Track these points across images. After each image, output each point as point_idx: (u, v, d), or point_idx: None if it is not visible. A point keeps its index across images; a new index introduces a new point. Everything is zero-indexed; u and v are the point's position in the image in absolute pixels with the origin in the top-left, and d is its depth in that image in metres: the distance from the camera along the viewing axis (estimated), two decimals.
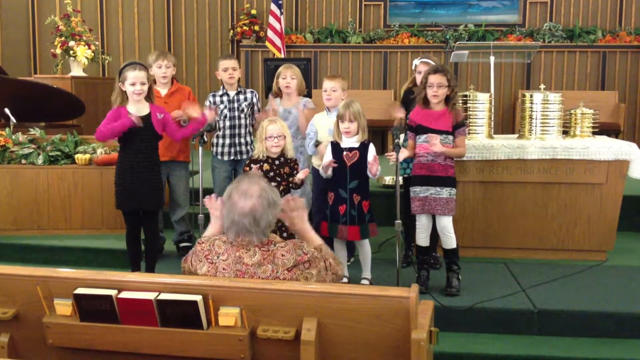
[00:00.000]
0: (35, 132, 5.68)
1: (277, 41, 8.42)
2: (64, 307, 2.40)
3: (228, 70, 4.79)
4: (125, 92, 4.12)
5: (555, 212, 4.83)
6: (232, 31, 8.96)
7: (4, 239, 5.28)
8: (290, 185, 4.09)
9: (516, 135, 5.13)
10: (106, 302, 2.35)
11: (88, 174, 5.40)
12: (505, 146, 4.73)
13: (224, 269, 2.51)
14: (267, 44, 8.48)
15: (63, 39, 7.26)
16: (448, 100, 4.09)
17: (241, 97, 4.85)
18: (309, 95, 5.20)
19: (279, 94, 4.86)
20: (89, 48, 7.32)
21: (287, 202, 2.74)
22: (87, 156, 5.43)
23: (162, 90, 4.78)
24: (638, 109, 8.63)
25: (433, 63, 4.46)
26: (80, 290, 2.38)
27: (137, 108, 4.15)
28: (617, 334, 3.80)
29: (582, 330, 3.82)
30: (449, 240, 4.10)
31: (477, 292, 4.10)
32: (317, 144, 4.50)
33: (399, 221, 3.90)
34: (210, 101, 4.83)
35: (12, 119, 6.05)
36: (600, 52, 8.55)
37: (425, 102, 4.13)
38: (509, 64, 8.53)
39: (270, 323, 2.32)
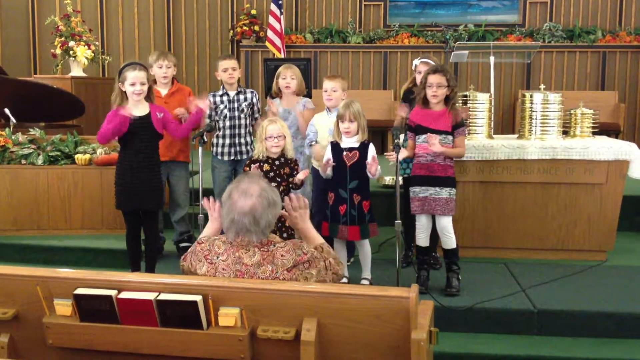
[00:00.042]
0: (35, 132, 5.68)
1: (277, 41, 8.42)
2: (64, 307, 2.40)
3: (228, 70, 4.79)
4: (124, 92, 4.13)
5: (555, 212, 4.83)
6: (232, 31, 8.96)
7: (4, 239, 5.28)
8: (290, 185, 4.09)
9: (516, 136, 5.13)
10: (106, 302, 2.35)
11: (88, 174, 5.40)
12: (505, 146, 4.73)
13: (223, 269, 2.51)
14: (267, 44, 8.48)
15: (63, 39, 7.25)
16: (448, 100, 4.09)
17: (241, 97, 4.85)
18: (308, 95, 5.20)
19: (278, 94, 4.86)
20: (89, 48, 7.31)
21: (291, 201, 2.74)
22: (87, 156, 5.43)
23: (163, 90, 4.79)
24: (638, 109, 8.64)
25: (433, 63, 4.46)
26: (80, 291, 2.37)
27: (137, 108, 4.14)
28: (617, 334, 3.80)
29: (582, 330, 3.82)
30: (449, 240, 4.10)
31: (477, 292, 4.10)
32: (311, 144, 4.50)
33: (399, 221, 3.90)
34: (210, 100, 4.83)
35: (12, 119, 6.05)
36: (600, 52, 8.55)
37: (425, 102, 4.13)
38: (509, 64, 8.53)
39: (270, 323, 2.32)
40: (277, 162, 4.10)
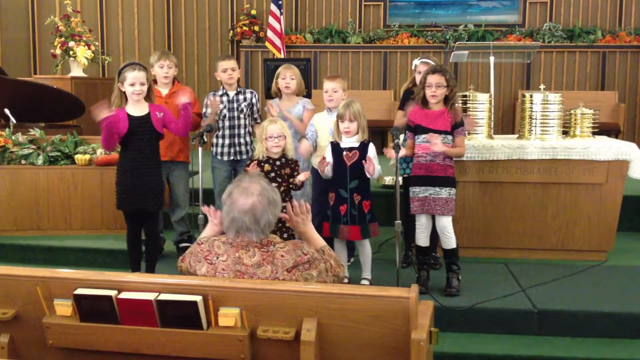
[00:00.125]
0: (35, 132, 5.68)
1: (277, 41, 8.42)
2: (64, 307, 2.40)
3: (227, 70, 4.79)
4: (124, 92, 4.13)
5: (555, 212, 4.83)
6: (232, 31, 8.96)
7: (4, 239, 5.28)
8: (291, 186, 4.09)
9: (516, 136, 5.13)
10: (106, 302, 2.35)
11: (88, 174, 5.40)
12: (505, 146, 4.73)
13: (223, 269, 2.51)
14: (267, 44, 8.48)
15: (63, 39, 7.25)
16: (447, 100, 4.09)
17: (241, 97, 4.85)
18: (308, 95, 5.19)
19: (278, 94, 4.86)
20: (89, 48, 7.32)
21: (293, 208, 2.75)
22: (87, 156, 5.43)
23: (163, 90, 4.79)
24: (638, 109, 8.64)
25: (433, 63, 4.46)
26: (80, 291, 2.38)
27: (137, 108, 4.15)
28: (617, 334, 3.80)
29: (582, 330, 3.82)
30: (449, 240, 4.10)
31: (477, 292, 4.10)
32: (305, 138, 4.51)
33: (399, 221, 3.90)
34: (210, 100, 4.83)
35: (12, 119, 6.05)
36: (600, 52, 8.55)
37: (424, 102, 4.13)
38: (509, 64, 8.53)
39: (270, 323, 2.32)
40: (277, 163, 4.10)
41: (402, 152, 4.05)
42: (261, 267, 2.47)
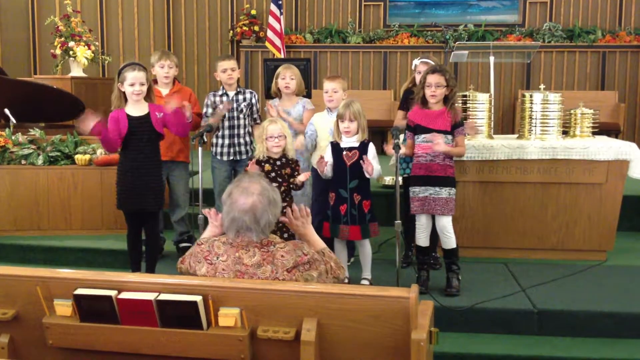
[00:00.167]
0: (35, 132, 5.68)
1: (277, 41, 8.42)
2: (64, 307, 2.40)
3: (227, 71, 4.79)
4: (124, 92, 4.13)
5: (555, 212, 4.83)
6: (231, 31, 8.96)
7: (4, 239, 5.28)
8: (291, 186, 4.09)
9: (516, 136, 5.13)
10: (106, 302, 2.35)
11: (88, 174, 5.40)
12: (505, 146, 4.73)
13: (223, 269, 2.51)
14: (266, 44, 8.48)
15: (63, 39, 7.25)
16: (447, 100, 4.09)
17: (240, 97, 4.85)
18: (308, 95, 5.19)
19: (278, 94, 4.86)
20: (89, 48, 7.31)
21: (293, 212, 2.75)
22: (87, 156, 5.43)
23: (164, 90, 4.79)
24: (638, 109, 8.63)
25: (433, 63, 4.46)
26: (80, 291, 2.38)
27: (136, 108, 4.15)
28: (617, 334, 3.80)
29: (582, 330, 3.82)
30: (449, 240, 4.10)
31: (477, 292, 4.10)
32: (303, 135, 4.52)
33: (399, 221, 3.90)
34: (211, 100, 4.83)
35: (12, 119, 6.05)
36: (600, 52, 8.55)
37: (424, 102, 4.13)
38: (509, 64, 8.53)
39: (270, 323, 2.32)
40: (278, 163, 4.10)
41: (402, 150, 4.05)
42: (261, 267, 2.47)
